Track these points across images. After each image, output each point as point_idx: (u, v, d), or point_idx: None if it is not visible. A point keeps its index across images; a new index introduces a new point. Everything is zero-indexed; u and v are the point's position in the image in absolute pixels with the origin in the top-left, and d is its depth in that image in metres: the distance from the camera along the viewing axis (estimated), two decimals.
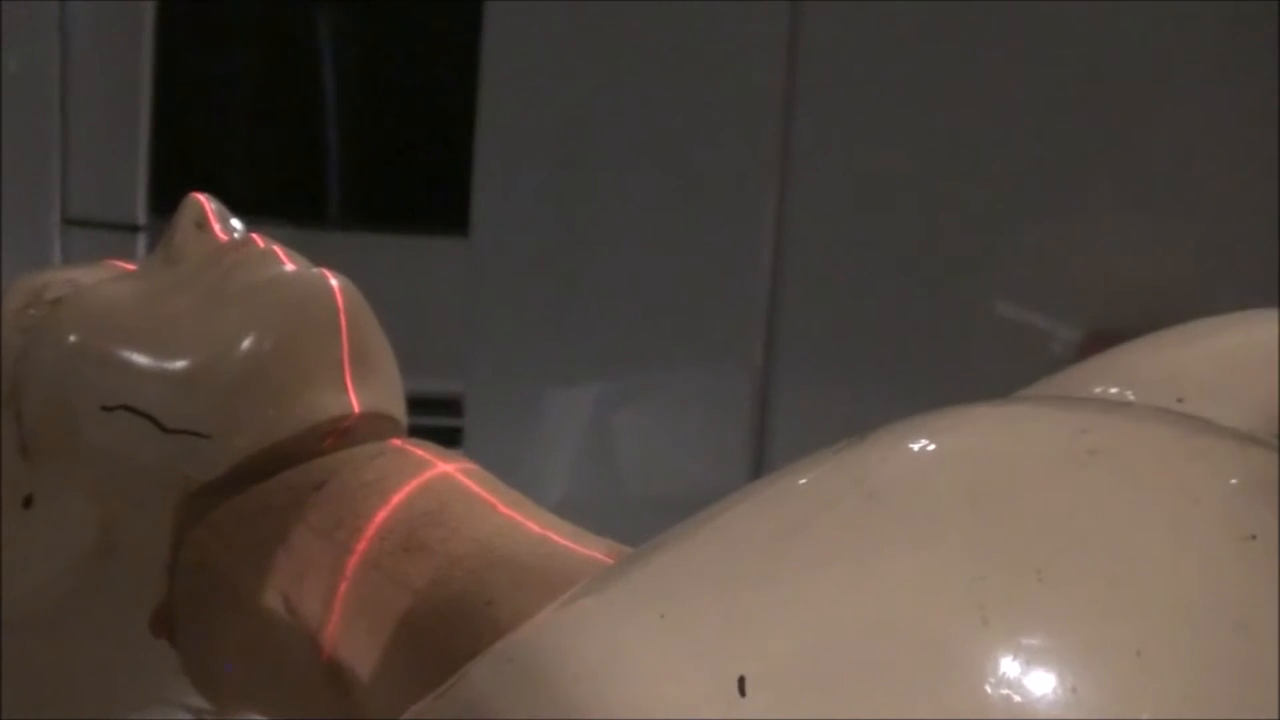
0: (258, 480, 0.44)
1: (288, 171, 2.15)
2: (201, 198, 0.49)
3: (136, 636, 0.45)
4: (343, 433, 0.45)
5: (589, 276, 1.30)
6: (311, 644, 0.41)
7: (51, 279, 0.48)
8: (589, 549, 0.41)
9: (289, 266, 0.46)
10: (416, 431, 0.48)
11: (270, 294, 0.45)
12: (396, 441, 0.46)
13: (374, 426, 0.46)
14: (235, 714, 0.47)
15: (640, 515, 1.18)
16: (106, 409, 0.44)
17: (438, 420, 1.07)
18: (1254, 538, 0.29)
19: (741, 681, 0.25)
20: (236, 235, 0.48)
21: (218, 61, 2.15)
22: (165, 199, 1.83)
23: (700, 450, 1.24)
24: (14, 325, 0.46)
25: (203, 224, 0.48)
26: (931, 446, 0.32)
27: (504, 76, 1.31)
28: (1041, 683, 0.26)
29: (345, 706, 0.41)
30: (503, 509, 0.43)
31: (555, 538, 0.41)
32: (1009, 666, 0.26)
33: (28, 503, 0.45)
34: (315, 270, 0.46)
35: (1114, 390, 0.39)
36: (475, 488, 0.43)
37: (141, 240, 1.90)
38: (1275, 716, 0.26)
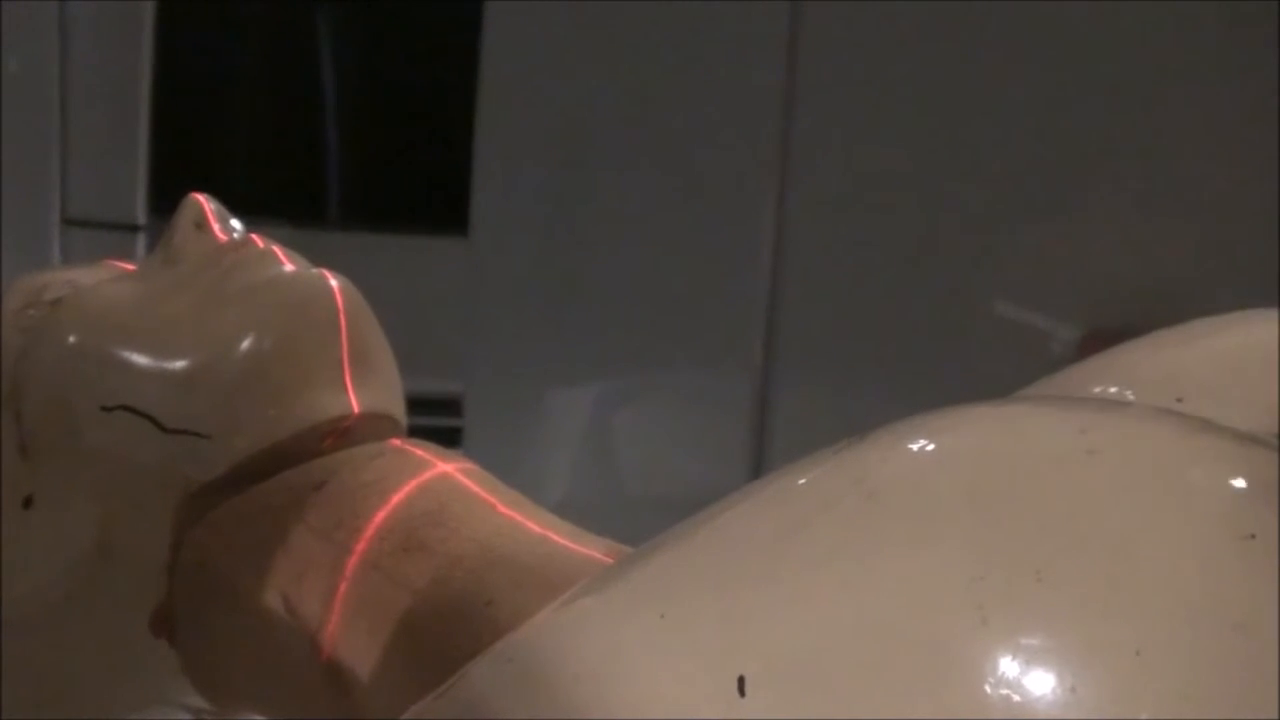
0: (258, 480, 0.44)
1: (287, 171, 2.15)
2: (201, 198, 0.49)
3: (136, 636, 0.45)
4: (342, 433, 0.45)
5: (589, 276, 1.30)
6: (311, 644, 0.41)
7: (51, 279, 0.48)
8: (589, 549, 0.41)
9: (288, 267, 0.46)
10: (416, 431, 0.48)
11: (270, 294, 0.45)
12: (396, 442, 0.46)
13: (374, 427, 0.46)
14: (235, 714, 0.47)
15: (640, 515, 1.18)
16: (106, 409, 0.44)
17: (438, 420, 1.07)
18: (1254, 538, 0.29)
19: (741, 681, 0.25)
20: (236, 235, 0.48)
21: (218, 61, 2.15)
22: (165, 199, 1.83)
23: (700, 450, 1.24)
24: (14, 325, 0.47)
25: (202, 224, 0.48)
26: (931, 446, 0.32)
27: (504, 76, 1.31)
28: (1041, 682, 0.26)
29: (345, 706, 0.41)
30: (502, 509, 0.43)
31: (555, 538, 0.41)
32: (1008, 666, 0.26)
33: (28, 503, 0.45)
34: (315, 270, 0.46)
35: (1113, 390, 0.39)
36: (475, 488, 0.43)
37: (141, 240, 1.90)
38: (1275, 717, 0.26)
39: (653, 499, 1.27)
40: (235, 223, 0.49)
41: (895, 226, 1.10)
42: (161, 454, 0.44)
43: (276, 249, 0.47)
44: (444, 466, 0.44)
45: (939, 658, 0.26)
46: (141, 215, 1.91)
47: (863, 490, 0.30)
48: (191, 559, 0.44)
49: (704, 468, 1.22)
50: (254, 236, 0.47)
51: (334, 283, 0.46)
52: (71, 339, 0.45)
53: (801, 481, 0.32)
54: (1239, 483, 0.31)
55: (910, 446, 0.32)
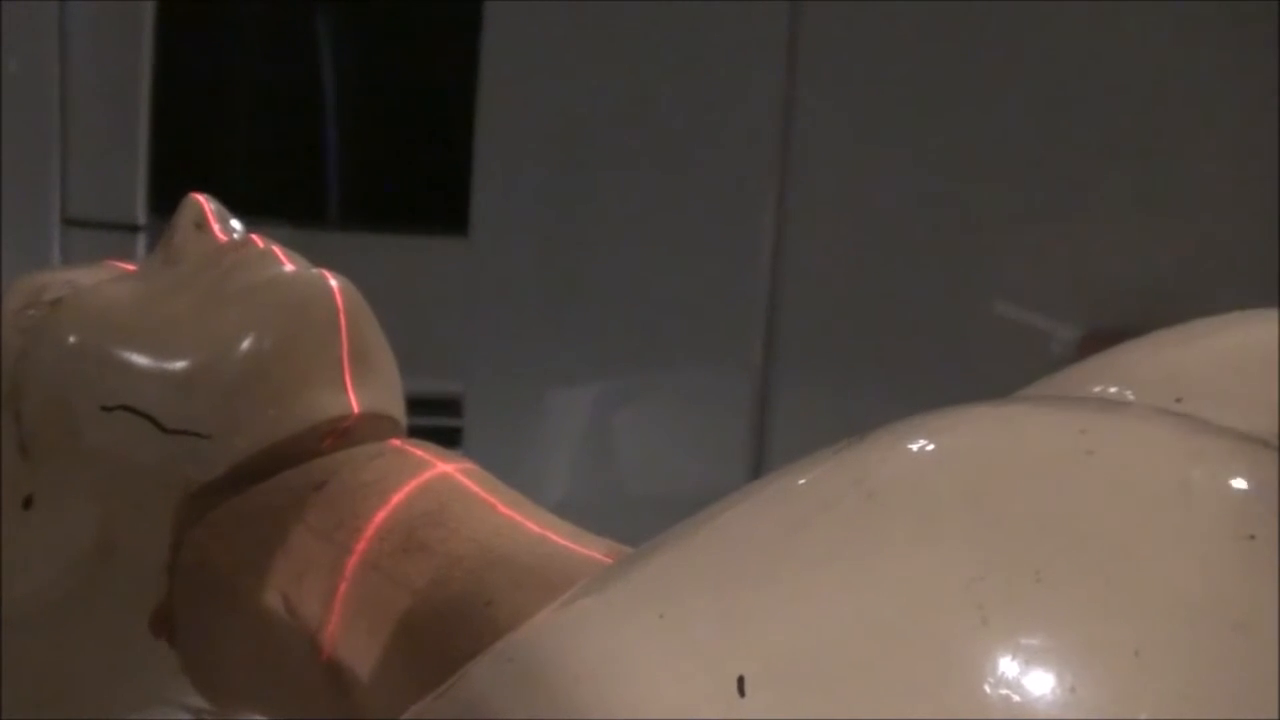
0: (257, 481, 0.44)
1: (287, 171, 2.15)
2: (201, 198, 0.49)
3: (136, 636, 0.45)
4: (342, 433, 0.45)
5: (589, 276, 1.30)
6: (311, 644, 0.41)
7: (51, 279, 0.48)
8: (588, 549, 0.41)
9: (288, 267, 0.46)
10: (416, 431, 0.48)
11: (270, 294, 0.45)
12: (396, 442, 0.46)
13: (373, 427, 0.46)
14: (235, 714, 0.47)
15: (640, 515, 1.18)
16: (106, 409, 0.44)
17: (437, 420, 1.07)
18: (1253, 538, 0.29)
19: (741, 681, 0.25)
20: (236, 236, 0.48)
21: (218, 61, 2.14)
22: (165, 199, 1.83)
23: (700, 450, 1.24)
24: (13, 326, 0.47)
25: (202, 224, 0.48)
26: (930, 446, 0.32)
27: (504, 76, 1.31)
28: (1040, 682, 0.26)
29: (345, 706, 0.41)
30: (502, 509, 0.43)
31: (554, 538, 0.41)
32: (1008, 666, 0.26)
33: (28, 503, 0.45)
34: (315, 270, 0.46)
35: (1113, 390, 0.39)
36: (474, 488, 0.43)
37: (141, 240, 1.90)
38: (1275, 717, 0.26)
39: (653, 499, 1.27)
40: (235, 223, 0.49)
41: (895, 226, 1.10)
42: (161, 454, 0.44)
43: (276, 249, 0.47)
44: (444, 467, 0.44)
45: (939, 658, 0.26)
46: (141, 215, 1.91)
47: (862, 490, 0.30)
48: (191, 559, 0.44)
49: (704, 468, 1.22)
50: (254, 236, 0.47)
51: (334, 283, 0.46)
52: (71, 339, 0.45)
53: (801, 481, 0.32)
54: (1239, 483, 0.31)
55: (910, 446, 0.32)
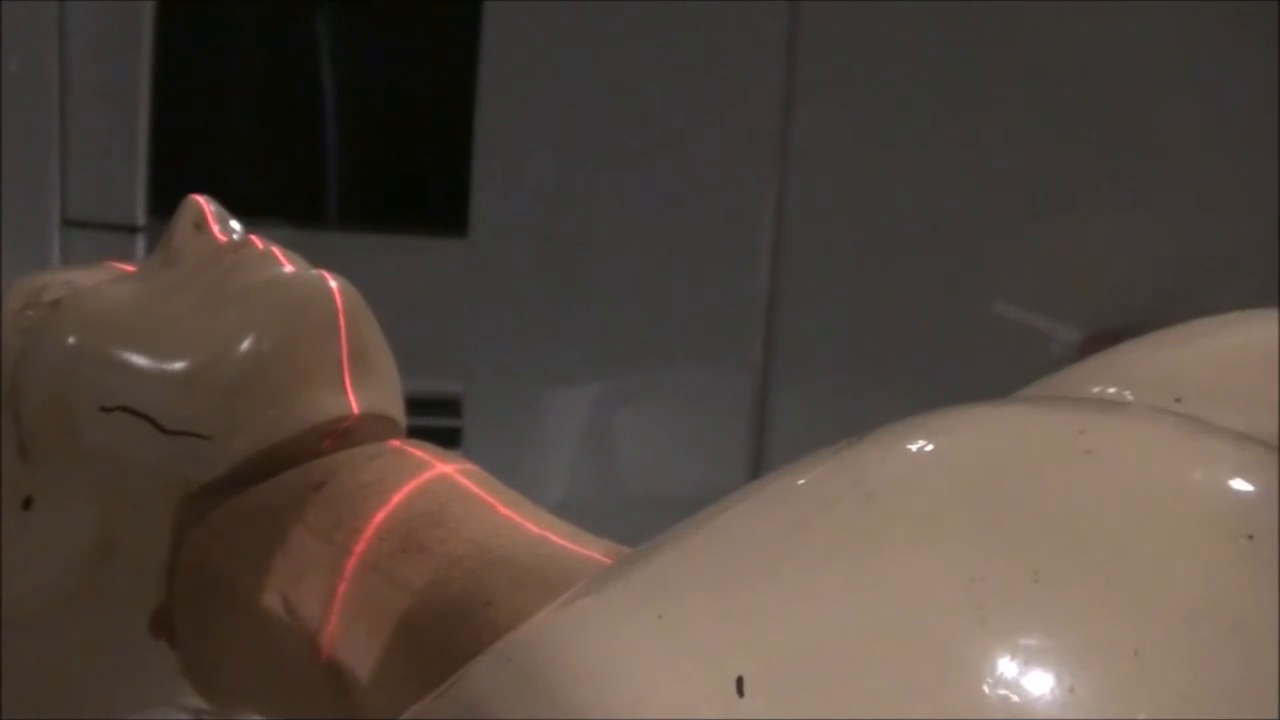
0: (257, 481, 0.44)
1: (287, 172, 2.15)
2: (200, 199, 0.49)
3: (136, 637, 0.45)
4: (342, 433, 0.45)
5: (589, 276, 1.30)
6: (311, 645, 0.41)
7: (50, 280, 0.48)
8: (588, 549, 0.41)
9: (288, 267, 0.46)
10: (416, 432, 0.48)
11: (269, 295, 0.45)
12: (395, 442, 0.46)
13: (373, 427, 0.46)
14: (235, 714, 0.47)
15: (640, 515, 1.18)
16: (105, 410, 0.44)
17: (437, 420, 1.07)
18: (1253, 538, 0.29)
19: (740, 681, 0.25)
20: (235, 236, 0.48)
21: (218, 61, 2.15)
22: (164, 200, 1.83)
23: (700, 450, 1.24)
24: (13, 326, 0.47)
25: (201, 225, 0.48)
26: (930, 446, 0.32)
27: (504, 76, 1.31)
28: (1039, 682, 0.26)
29: (345, 707, 0.41)
30: (501, 509, 0.43)
31: (554, 538, 0.41)
32: (1007, 666, 0.26)
33: (27, 504, 0.45)
34: (314, 271, 0.46)
35: (1112, 390, 0.39)
36: (474, 488, 0.43)
37: (140, 241, 1.90)
38: (1275, 717, 0.26)
39: (653, 499, 1.27)
40: (234, 223, 0.49)
41: (895, 226, 1.10)
42: (161, 455, 0.44)
43: (276, 250, 0.47)
44: (443, 467, 0.44)
45: (938, 658, 0.26)
46: (141, 216, 1.91)
47: (862, 490, 0.30)
48: (191, 559, 0.44)
49: (704, 468, 1.22)
50: (253, 237, 0.47)
51: (333, 283, 0.46)
52: (71, 340, 0.45)
53: (801, 481, 0.32)
54: (1238, 483, 0.31)
55: (909, 447, 0.32)
